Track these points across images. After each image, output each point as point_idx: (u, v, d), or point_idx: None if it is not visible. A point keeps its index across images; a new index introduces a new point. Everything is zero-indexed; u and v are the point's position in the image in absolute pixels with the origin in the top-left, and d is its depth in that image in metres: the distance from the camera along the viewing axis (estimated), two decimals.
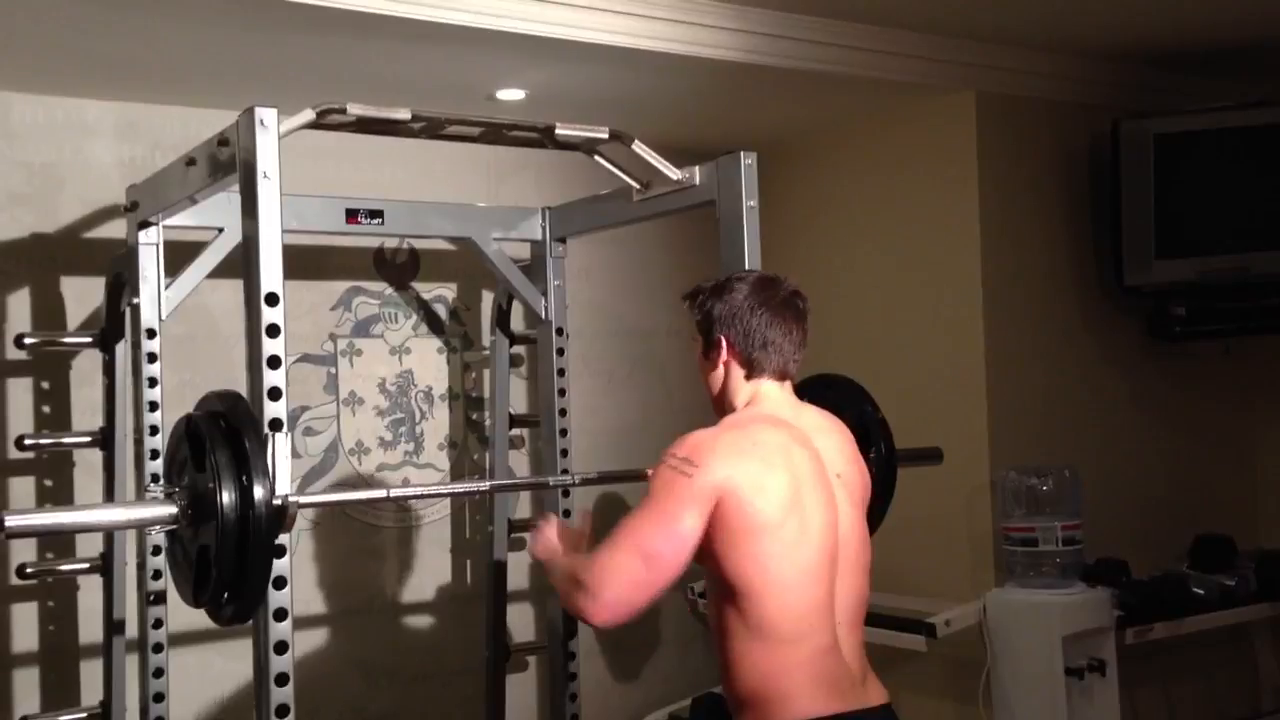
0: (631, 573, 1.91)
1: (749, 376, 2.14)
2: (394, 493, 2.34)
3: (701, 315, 2.19)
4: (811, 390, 2.68)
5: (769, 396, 2.14)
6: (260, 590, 1.98)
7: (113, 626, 3.09)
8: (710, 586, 2.06)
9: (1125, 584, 3.71)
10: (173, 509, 1.98)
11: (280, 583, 2.10)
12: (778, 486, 1.96)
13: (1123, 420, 4.15)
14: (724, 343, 2.14)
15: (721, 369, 2.17)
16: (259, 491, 1.90)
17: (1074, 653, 3.54)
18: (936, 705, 3.93)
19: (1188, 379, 4.32)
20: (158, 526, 2.02)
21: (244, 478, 1.90)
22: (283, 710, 2.11)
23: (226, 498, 1.88)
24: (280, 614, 2.11)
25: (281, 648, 2.11)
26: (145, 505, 2.06)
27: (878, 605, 3.80)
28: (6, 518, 1.86)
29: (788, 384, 2.18)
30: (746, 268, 2.56)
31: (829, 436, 2.16)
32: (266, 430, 2.04)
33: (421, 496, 3.85)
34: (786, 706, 1.96)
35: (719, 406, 2.21)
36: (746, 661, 1.99)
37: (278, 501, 1.96)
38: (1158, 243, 3.89)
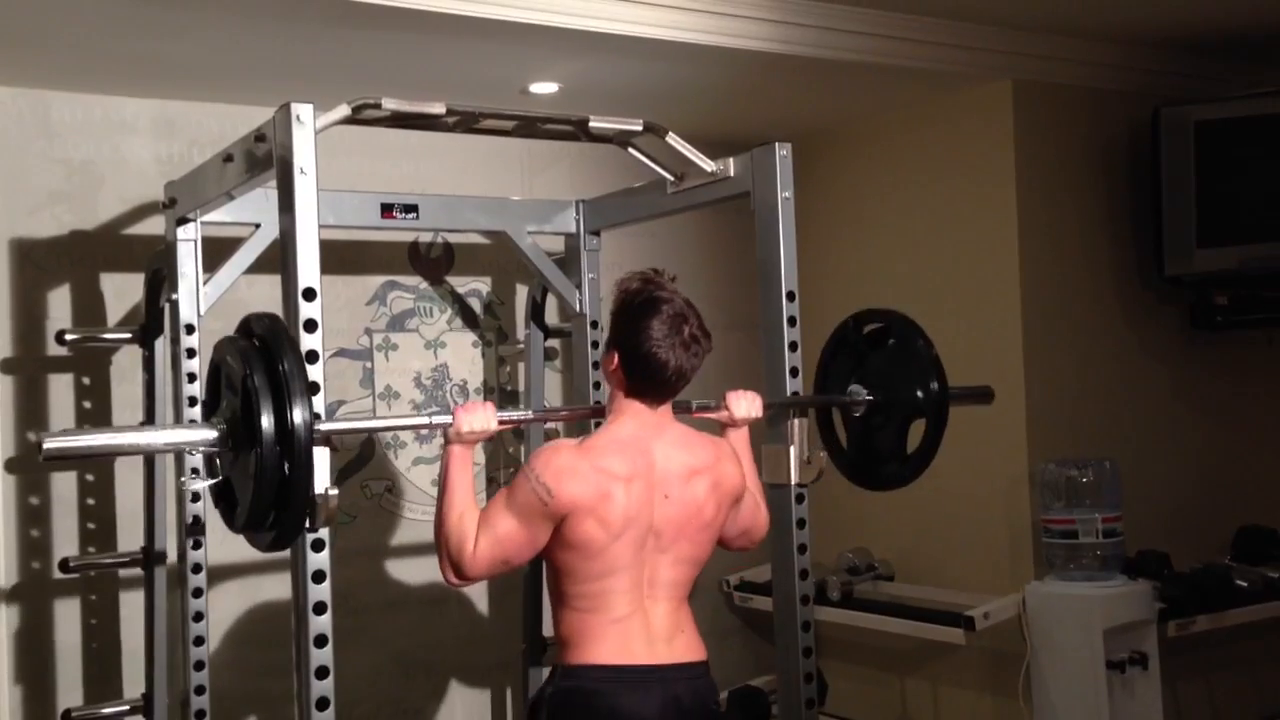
0: (494, 561, 2.24)
1: (628, 394, 2.30)
2: (436, 419, 2.28)
3: (613, 318, 2.32)
4: (871, 320, 2.78)
5: (637, 415, 2.30)
6: (300, 515, 1.98)
7: (154, 620, 3.12)
8: (545, 561, 2.30)
9: (1167, 576, 3.67)
10: (213, 433, 2.00)
11: (319, 576, 2.11)
12: (611, 511, 2.20)
13: (1163, 411, 4.10)
14: (616, 357, 2.28)
15: (608, 376, 2.34)
16: (299, 414, 1.90)
17: (1115, 646, 3.51)
18: (975, 698, 3.91)
19: (1230, 369, 4.26)
20: (199, 449, 2.02)
21: (283, 400, 1.90)
22: (323, 703, 2.12)
23: (265, 420, 1.89)
24: (320, 608, 2.12)
25: (321, 641, 2.12)
26: (186, 429, 2.06)
27: (915, 598, 3.83)
28: (46, 440, 1.84)
29: (663, 406, 2.32)
30: (782, 260, 2.59)
31: (677, 458, 2.30)
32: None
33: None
34: (586, 651, 2.26)
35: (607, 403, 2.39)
36: (564, 620, 2.29)
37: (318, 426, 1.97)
38: (1199, 231, 3.83)
